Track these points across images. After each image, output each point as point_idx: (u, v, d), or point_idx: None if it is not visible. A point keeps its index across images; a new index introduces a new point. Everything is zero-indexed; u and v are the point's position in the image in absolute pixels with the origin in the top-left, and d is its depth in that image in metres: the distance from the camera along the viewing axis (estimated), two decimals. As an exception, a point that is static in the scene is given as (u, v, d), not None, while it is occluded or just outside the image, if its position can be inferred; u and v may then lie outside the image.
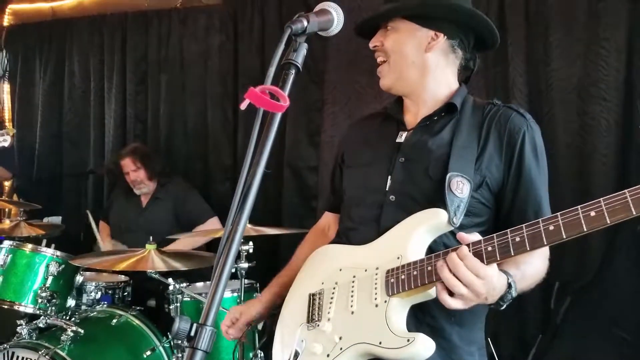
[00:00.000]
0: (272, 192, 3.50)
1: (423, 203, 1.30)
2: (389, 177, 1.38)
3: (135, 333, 2.61)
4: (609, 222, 1.01)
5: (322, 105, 3.37)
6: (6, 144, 3.28)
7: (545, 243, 1.08)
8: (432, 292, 1.21)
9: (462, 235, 1.16)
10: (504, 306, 1.17)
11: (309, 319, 1.37)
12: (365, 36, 1.51)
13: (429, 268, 1.19)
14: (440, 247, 1.27)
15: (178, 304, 2.45)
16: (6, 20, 4.73)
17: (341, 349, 1.26)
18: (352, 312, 1.29)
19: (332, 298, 1.36)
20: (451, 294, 1.12)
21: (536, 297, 2.91)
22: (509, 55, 2.94)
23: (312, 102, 3.41)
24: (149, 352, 2.52)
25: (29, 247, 2.70)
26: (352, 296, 1.31)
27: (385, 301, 1.24)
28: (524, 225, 1.11)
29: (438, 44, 1.39)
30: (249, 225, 2.66)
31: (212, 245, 3.35)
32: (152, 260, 2.46)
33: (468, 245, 1.14)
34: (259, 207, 3.27)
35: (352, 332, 1.27)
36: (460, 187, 1.28)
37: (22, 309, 2.61)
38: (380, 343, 1.20)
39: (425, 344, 1.17)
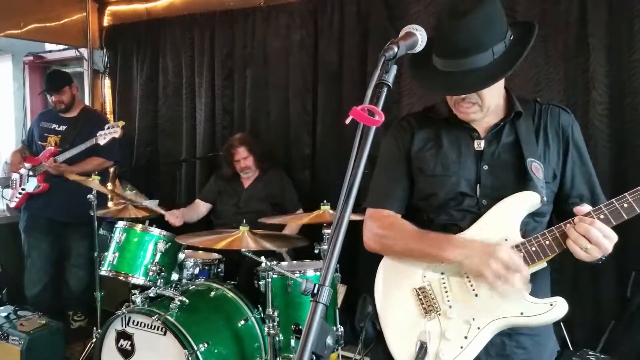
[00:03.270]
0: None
1: None
2: (478, 186, 1.51)
3: (231, 304, 2.90)
4: None
5: (400, 98, 3.47)
6: (117, 135, 3.68)
7: None
8: (544, 263, 1.41)
9: (578, 208, 1.37)
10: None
11: (427, 311, 1.47)
12: None
13: (547, 242, 1.38)
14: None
15: (268, 280, 2.69)
16: (106, 21, 5.13)
17: (479, 328, 1.41)
18: (476, 295, 1.43)
19: (444, 287, 1.47)
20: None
21: (612, 286, 2.94)
22: (589, 46, 2.93)
23: (390, 95, 3.53)
24: (242, 322, 2.82)
25: (139, 227, 3.05)
26: (469, 282, 1.44)
27: None
28: (626, 194, 1.33)
29: None
30: (331, 212, 2.91)
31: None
32: (246, 240, 2.74)
33: (589, 213, 1.35)
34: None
35: (484, 312, 1.41)
36: (537, 170, 1.46)
37: (135, 280, 2.96)
38: (522, 313, 1.38)
39: (564, 305, 1.38)
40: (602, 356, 2.63)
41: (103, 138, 3.65)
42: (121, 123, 3.70)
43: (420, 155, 1.59)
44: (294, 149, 4.03)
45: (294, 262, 3.18)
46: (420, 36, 1.24)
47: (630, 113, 2.88)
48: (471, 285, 1.44)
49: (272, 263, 2.71)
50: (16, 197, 4.06)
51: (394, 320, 1.53)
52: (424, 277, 1.51)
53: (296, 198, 3.74)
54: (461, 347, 1.41)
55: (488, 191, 1.50)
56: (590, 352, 2.68)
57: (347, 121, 1.04)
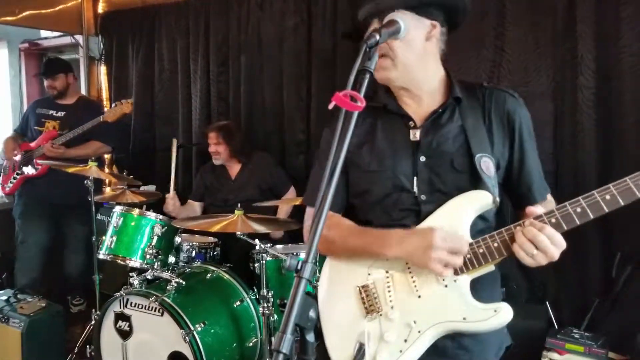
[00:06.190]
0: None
1: (455, 194, 1.38)
2: (415, 178, 1.42)
3: (227, 286, 2.96)
4: None
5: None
6: (127, 110, 3.75)
7: (606, 210, 1.23)
8: (492, 266, 1.33)
9: (531, 209, 1.30)
10: None
11: (368, 311, 1.39)
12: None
13: (495, 244, 1.30)
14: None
15: (263, 262, 2.77)
16: (100, 8, 5.11)
17: (419, 331, 1.33)
18: (419, 296, 1.35)
19: (388, 286, 1.39)
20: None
21: (597, 266, 3.00)
22: (577, 32, 2.96)
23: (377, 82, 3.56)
24: (238, 303, 2.89)
25: (136, 211, 3.10)
26: (413, 281, 1.37)
27: (455, 280, 1.33)
28: (580, 197, 1.24)
29: (436, 33, 1.42)
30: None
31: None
32: (240, 224, 2.80)
33: (540, 217, 1.27)
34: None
35: (426, 315, 1.33)
36: (487, 167, 1.38)
37: (132, 263, 3.02)
38: (464, 319, 1.30)
39: (509, 312, 1.29)
40: (586, 334, 2.71)
41: (112, 114, 3.70)
42: (131, 100, 3.76)
43: (356, 150, 1.49)
44: (288, 135, 4.06)
45: (288, 244, 3.25)
46: (403, 24, 1.29)
47: (616, 97, 2.93)
48: (415, 286, 1.36)
49: (266, 246, 2.79)
50: (10, 182, 4.09)
51: (335, 318, 1.44)
52: (369, 275, 1.42)
53: (285, 177, 3.77)
54: (400, 351, 1.33)
55: (426, 186, 1.41)
56: (575, 330, 2.75)
57: (330, 107, 1.09)
